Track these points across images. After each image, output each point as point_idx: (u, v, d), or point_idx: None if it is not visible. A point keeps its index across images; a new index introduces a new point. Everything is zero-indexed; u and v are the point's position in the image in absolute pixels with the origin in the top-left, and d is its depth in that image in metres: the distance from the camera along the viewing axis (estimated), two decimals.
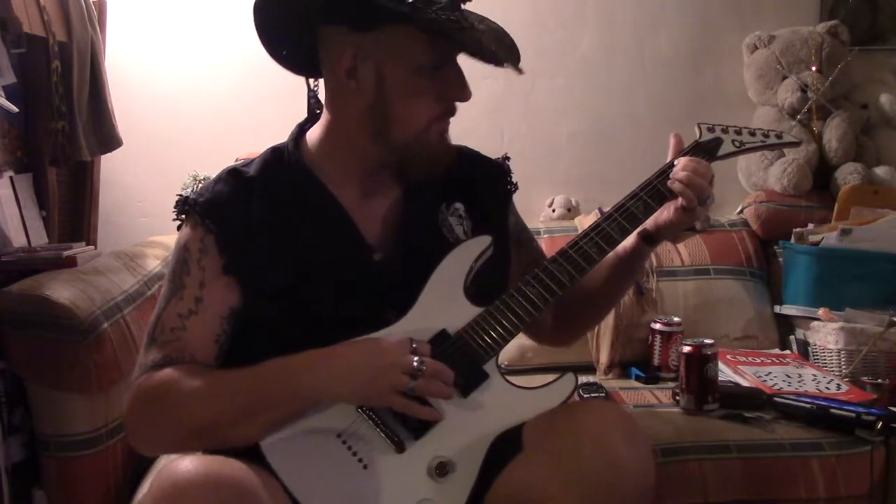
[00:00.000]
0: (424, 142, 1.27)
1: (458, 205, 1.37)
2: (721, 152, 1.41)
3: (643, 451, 1.14)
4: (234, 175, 1.31)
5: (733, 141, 1.43)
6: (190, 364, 1.20)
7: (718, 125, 1.44)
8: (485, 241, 1.31)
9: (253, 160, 1.34)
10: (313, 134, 1.34)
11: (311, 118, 1.37)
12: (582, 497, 1.10)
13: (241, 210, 1.27)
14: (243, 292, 1.24)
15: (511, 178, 1.48)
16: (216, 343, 1.24)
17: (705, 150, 1.40)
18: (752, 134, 1.45)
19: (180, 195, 1.30)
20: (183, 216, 1.29)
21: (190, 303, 1.23)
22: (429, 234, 1.32)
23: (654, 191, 1.34)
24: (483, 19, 1.29)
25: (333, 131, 1.30)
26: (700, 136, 1.42)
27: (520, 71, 1.25)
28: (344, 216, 1.29)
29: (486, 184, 1.42)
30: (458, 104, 1.28)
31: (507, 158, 1.50)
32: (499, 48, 1.25)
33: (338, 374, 1.15)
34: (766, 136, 1.46)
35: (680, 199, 1.29)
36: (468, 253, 1.30)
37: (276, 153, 1.34)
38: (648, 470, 1.13)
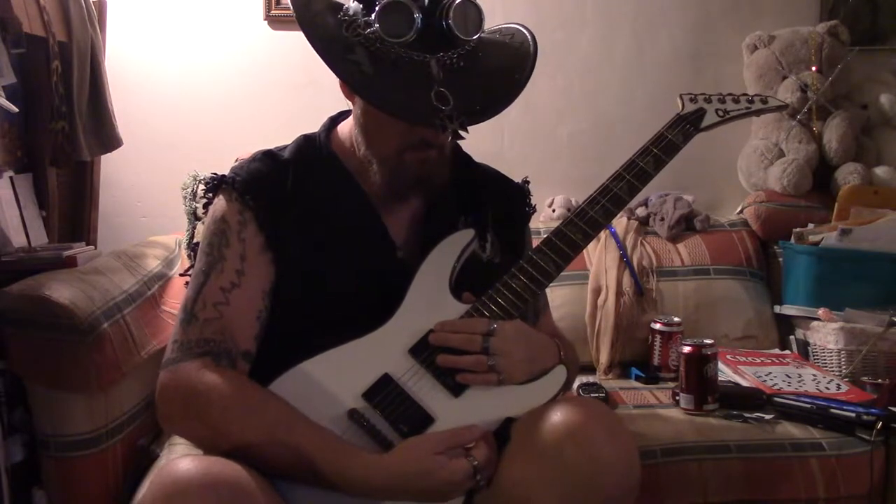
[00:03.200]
0: (401, 166, 1.26)
1: (472, 220, 1.37)
2: (705, 123, 1.38)
3: (626, 449, 1.13)
4: (269, 156, 1.33)
5: (717, 110, 1.39)
6: (237, 377, 1.17)
7: (701, 94, 1.40)
8: (468, 234, 1.31)
9: (286, 146, 1.36)
10: (344, 128, 1.36)
11: (344, 111, 1.39)
12: (563, 497, 1.09)
13: (278, 189, 1.29)
14: (277, 270, 1.25)
15: (530, 200, 1.49)
16: (258, 320, 1.24)
17: (688, 122, 1.37)
18: (737, 101, 1.41)
19: (215, 174, 1.31)
20: (210, 193, 1.30)
21: (232, 276, 1.22)
22: None
23: (638, 170, 1.32)
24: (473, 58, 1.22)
25: (351, 130, 1.34)
26: (682, 108, 1.39)
27: (453, 132, 1.16)
28: (371, 210, 1.32)
29: (503, 204, 1.43)
30: (445, 137, 1.22)
31: (527, 182, 1.50)
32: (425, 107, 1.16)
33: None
34: (752, 101, 1.42)
35: None
36: (452, 248, 1.30)
37: (308, 140, 1.37)
38: (632, 469, 1.12)
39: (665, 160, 1.34)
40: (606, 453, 1.10)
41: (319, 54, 1.20)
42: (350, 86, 1.22)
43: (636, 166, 1.33)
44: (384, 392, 1.19)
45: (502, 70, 1.28)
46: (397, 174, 1.27)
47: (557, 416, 1.14)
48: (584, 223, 1.29)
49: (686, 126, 1.37)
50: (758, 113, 1.46)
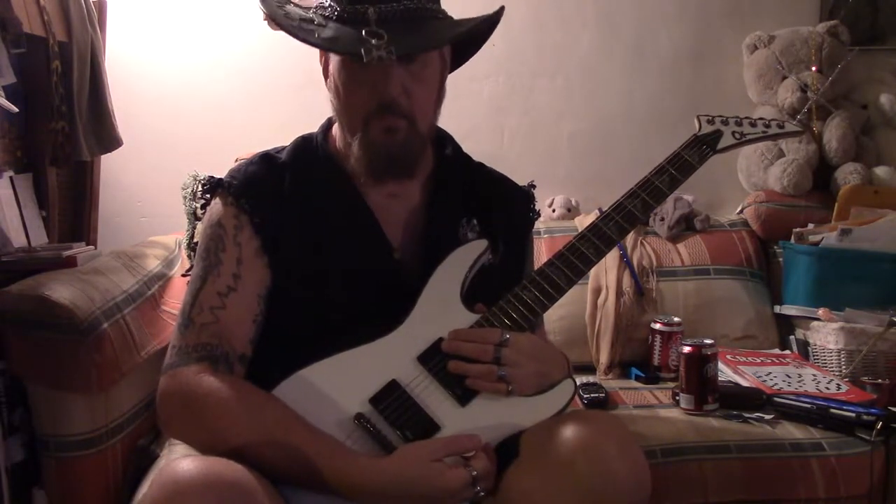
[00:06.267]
0: (369, 138, 1.26)
1: (475, 222, 1.37)
2: (721, 145, 1.41)
3: (638, 464, 1.12)
4: (266, 159, 1.34)
5: (734, 133, 1.42)
6: (235, 380, 1.17)
7: (718, 117, 1.44)
8: (481, 244, 1.31)
9: (284, 147, 1.37)
10: (338, 130, 1.36)
11: None
12: None
13: (274, 193, 1.29)
14: (273, 274, 1.25)
15: (534, 205, 1.49)
16: (254, 323, 1.24)
17: (705, 143, 1.40)
18: (753, 125, 1.45)
19: (212, 176, 1.32)
20: (208, 195, 1.30)
21: (228, 280, 1.23)
22: (449, 243, 1.32)
23: (653, 188, 1.33)
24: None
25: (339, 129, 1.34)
26: (699, 129, 1.42)
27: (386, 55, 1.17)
28: (368, 212, 1.32)
29: (505, 207, 1.42)
30: (406, 104, 1.25)
31: (534, 186, 1.50)
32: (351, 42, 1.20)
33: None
34: (768, 126, 1.46)
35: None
36: (464, 258, 1.30)
37: (306, 142, 1.37)
38: (643, 483, 1.12)
39: (681, 179, 1.36)
40: (617, 468, 1.09)
41: (277, 23, 1.26)
42: (297, 37, 1.24)
43: (651, 184, 1.34)
44: (391, 398, 1.19)
45: (443, 21, 1.29)
46: (369, 150, 1.27)
47: (569, 430, 1.13)
48: (597, 239, 1.30)
49: (703, 147, 1.39)
50: (773, 138, 1.50)
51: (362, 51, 1.16)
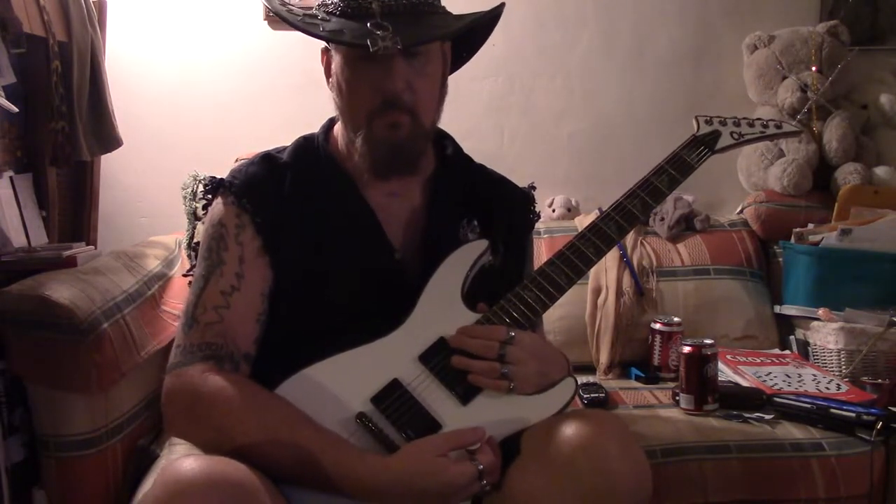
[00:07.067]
0: (373, 135, 1.27)
1: (475, 223, 1.37)
2: (719, 145, 1.41)
3: (639, 464, 1.12)
4: (267, 160, 1.34)
5: (732, 133, 1.43)
6: (240, 379, 1.18)
7: (716, 117, 1.44)
8: (481, 245, 1.31)
9: (285, 147, 1.38)
10: (339, 129, 1.37)
11: None
12: None
13: (275, 193, 1.29)
14: (274, 274, 1.26)
15: (534, 207, 1.49)
16: (257, 322, 1.25)
17: (703, 144, 1.40)
18: (752, 125, 1.45)
19: (214, 177, 1.32)
20: (209, 196, 1.31)
21: (232, 279, 1.23)
22: (450, 243, 1.32)
23: (652, 188, 1.34)
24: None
25: (342, 129, 1.35)
26: (698, 130, 1.42)
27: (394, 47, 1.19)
28: (369, 212, 1.32)
29: (505, 208, 1.42)
30: (410, 99, 1.26)
31: (534, 188, 1.50)
32: (358, 35, 1.21)
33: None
34: (766, 126, 1.46)
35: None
36: (465, 258, 1.30)
37: (307, 142, 1.38)
38: (643, 483, 1.12)
39: (679, 179, 1.37)
40: (618, 468, 1.09)
41: (281, 17, 1.28)
42: (302, 30, 1.25)
43: (650, 185, 1.34)
44: (392, 397, 1.19)
45: (445, 14, 1.31)
46: (373, 146, 1.28)
47: (570, 429, 1.13)
48: (597, 238, 1.30)
49: (701, 148, 1.40)
50: (772, 138, 1.50)
51: (368, 42, 1.17)
